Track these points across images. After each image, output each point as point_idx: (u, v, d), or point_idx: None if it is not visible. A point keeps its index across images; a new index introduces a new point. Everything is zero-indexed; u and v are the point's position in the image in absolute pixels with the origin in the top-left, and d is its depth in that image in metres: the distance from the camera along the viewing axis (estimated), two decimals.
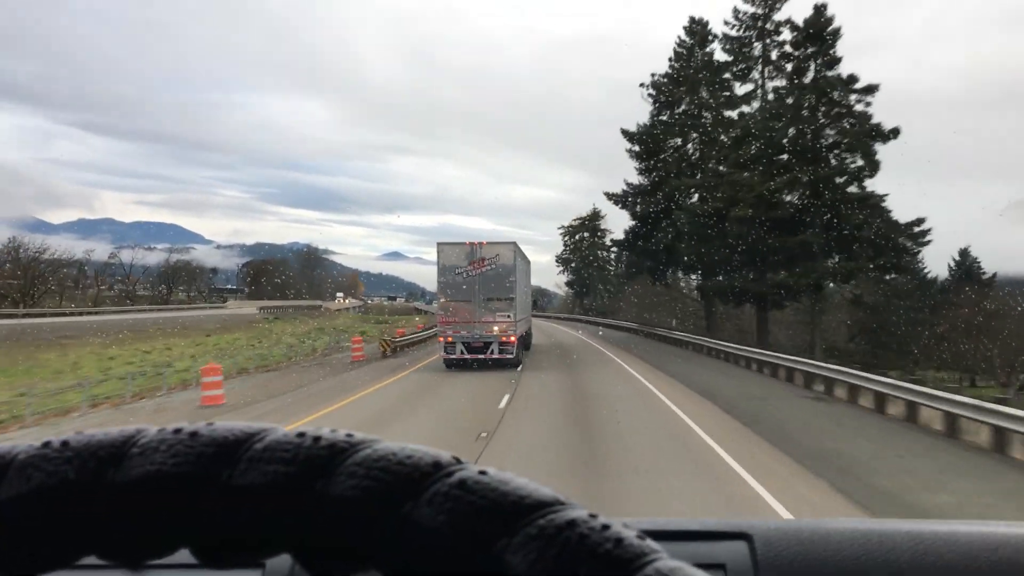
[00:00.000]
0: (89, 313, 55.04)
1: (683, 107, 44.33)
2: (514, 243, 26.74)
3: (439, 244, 26.29)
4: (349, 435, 0.42)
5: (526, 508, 0.37)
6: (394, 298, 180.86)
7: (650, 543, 0.37)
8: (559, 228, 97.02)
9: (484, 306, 25.34)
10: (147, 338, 43.57)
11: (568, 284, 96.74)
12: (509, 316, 25.45)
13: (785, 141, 35.54)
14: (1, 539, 0.39)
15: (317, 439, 0.41)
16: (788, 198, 35.46)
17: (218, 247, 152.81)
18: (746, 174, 35.48)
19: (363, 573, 0.40)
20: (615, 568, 0.35)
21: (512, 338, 25.45)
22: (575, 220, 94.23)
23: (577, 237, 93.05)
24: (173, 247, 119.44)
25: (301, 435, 0.41)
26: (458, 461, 0.40)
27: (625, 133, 45.13)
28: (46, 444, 0.41)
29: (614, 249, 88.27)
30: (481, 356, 25.15)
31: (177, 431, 0.41)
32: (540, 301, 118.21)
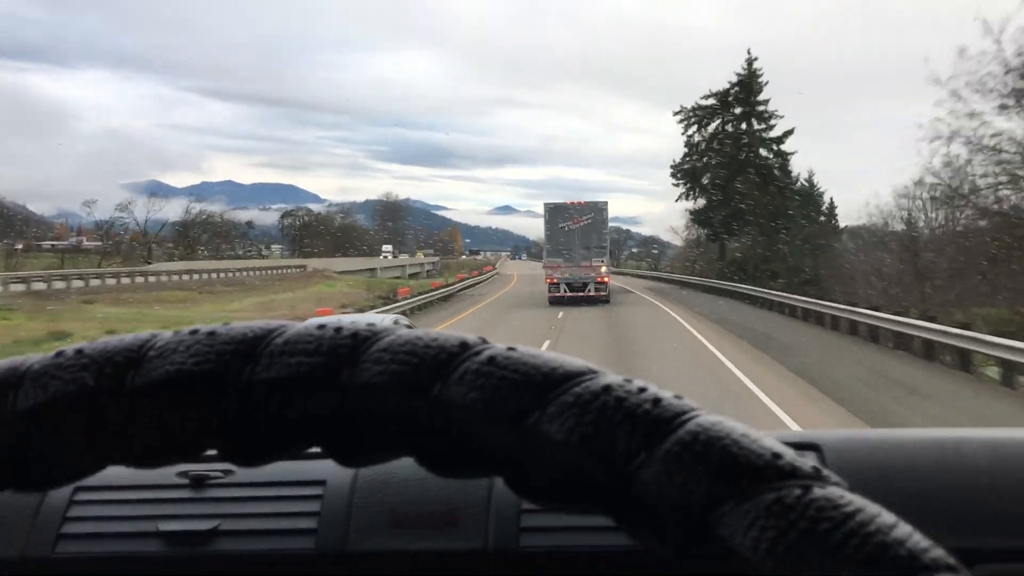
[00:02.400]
0: None
1: None
2: (606, 202, 33.88)
3: (545, 204, 34.14)
4: (371, 324, 0.40)
5: (559, 378, 0.36)
6: (477, 252, 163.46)
7: (689, 401, 0.36)
8: (675, 113, 51.11)
9: (582, 254, 31.37)
10: None
11: (696, 217, 53.78)
12: (602, 261, 31.78)
13: None
14: (21, 451, 0.38)
15: (339, 329, 0.39)
16: None
17: (329, 206, 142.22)
18: None
19: (397, 458, 0.39)
20: (656, 426, 0.34)
21: (606, 279, 31.61)
22: (705, 97, 49.72)
23: (712, 128, 50.23)
24: (286, 207, 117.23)
25: (322, 327, 0.40)
26: (484, 341, 0.39)
27: None
28: (59, 353, 0.40)
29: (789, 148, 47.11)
30: (580, 294, 30.45)
31: (194, 332, 0.40)
32: (653, 250, 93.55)
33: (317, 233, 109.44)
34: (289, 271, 53.93)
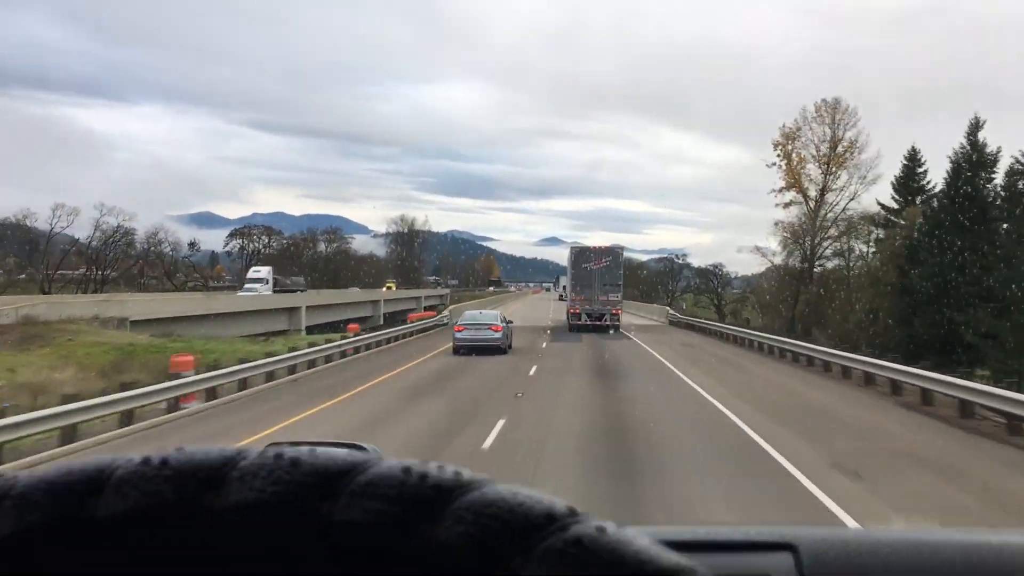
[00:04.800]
0: None
1: None
2: (622, 247, 43.07)
3: (571, 247, 42.07)
4: (458, 473, 0.39)
5: (651, 573, 0.34)
6: (498, 282, 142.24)
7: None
8: None
9: (601, 290, 38.48)
10: None
11: None
12: (618, 296, 39.13)
13: None
14: (94, 559, 0.37)
15: (424, 476, 0.38)
16: None
17: (375, 236, 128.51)
18: None
19: None
20: None
21: (619, 311, 38.98)
22: None
23: None
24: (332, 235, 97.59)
25: (407, 471, 0.38)
26: (574, 513, 0.37)
27: None
28: (145, 461, 0.39)
29: None
30: (598, 323, 37.71)
31: (278, 456, 0.39)
32: (713, 283, 69.63)
33: (288, 260, 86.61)
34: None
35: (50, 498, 0.38)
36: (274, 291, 60.30)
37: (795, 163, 52.75)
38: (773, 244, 52.38)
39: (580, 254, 40.05)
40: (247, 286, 60.61)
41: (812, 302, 47.54)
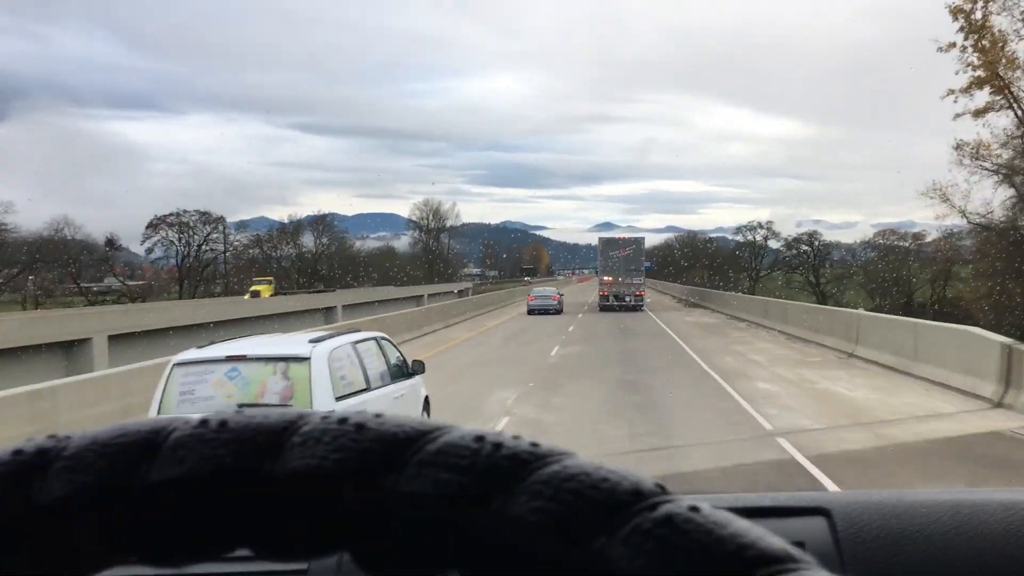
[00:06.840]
0: None
1: None
2: (643, 237, 50.13)
3: (600, 238, 50.49)
4: (535, 445, 0.36)
5: (750, 560, 0.30)
6: (532, 271, 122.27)
7: None
8: None
9: (625, 274, 45.46)
10: None
11: None
12: (640, 279, 45.85)
13: None
14: (146, 525, 0.36)
15: (498, 446, 0.35)
16: None
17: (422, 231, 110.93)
18: None
19: None
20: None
21: (641, 292, 45.74)
22: None
23: None
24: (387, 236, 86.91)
25: (480, 439, 0.36)
26: (663, 491, 0.34)
27: None
28: (203, 423, 0.37)
29: None
30: (624, 303, 44.58)
31: (342, 421, 0.37)
32: (808, 257, 61.57)
33: (255, 262, 67.02)
34: None
35: (103, 460, 0.36)
36: None
37: (991, 40, 30.65)
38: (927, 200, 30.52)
39: (607, 244, 47.82)
40: None
41: None
